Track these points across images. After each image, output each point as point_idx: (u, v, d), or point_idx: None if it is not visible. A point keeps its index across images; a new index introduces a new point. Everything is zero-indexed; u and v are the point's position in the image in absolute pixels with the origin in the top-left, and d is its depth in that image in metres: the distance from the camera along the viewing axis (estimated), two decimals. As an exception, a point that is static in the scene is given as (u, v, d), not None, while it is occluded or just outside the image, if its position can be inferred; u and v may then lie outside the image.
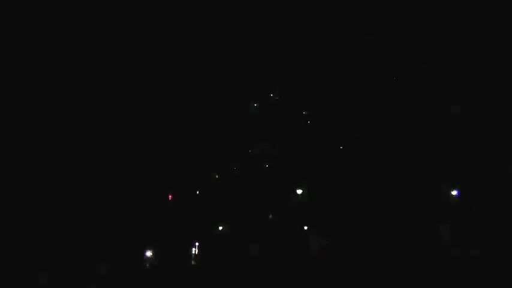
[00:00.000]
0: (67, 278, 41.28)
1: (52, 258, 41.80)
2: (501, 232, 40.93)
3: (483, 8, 47.47)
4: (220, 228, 45.20)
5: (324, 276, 40.34)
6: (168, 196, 45.07)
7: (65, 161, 44.61)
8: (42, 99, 44.38)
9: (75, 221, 42.99)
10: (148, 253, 43.26)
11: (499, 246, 40.15)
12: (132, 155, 45.98)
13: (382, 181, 45.19)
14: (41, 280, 40.75)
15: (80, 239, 42.79)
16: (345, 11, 49.66)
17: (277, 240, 44.94)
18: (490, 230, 41.35)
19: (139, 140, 45.73)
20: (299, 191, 46.35)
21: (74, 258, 42.17)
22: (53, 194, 43.55)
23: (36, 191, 42.70)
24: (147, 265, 43.33)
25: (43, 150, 43.69)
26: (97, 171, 44.83)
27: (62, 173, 43.94)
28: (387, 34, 48.66)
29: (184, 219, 44.84)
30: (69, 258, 42.10)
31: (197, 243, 45.07)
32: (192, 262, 44.63)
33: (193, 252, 45.14)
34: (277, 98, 48.54)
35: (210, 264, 43.65)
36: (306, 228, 45.44)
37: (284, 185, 46.97)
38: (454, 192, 44.37)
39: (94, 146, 44.59)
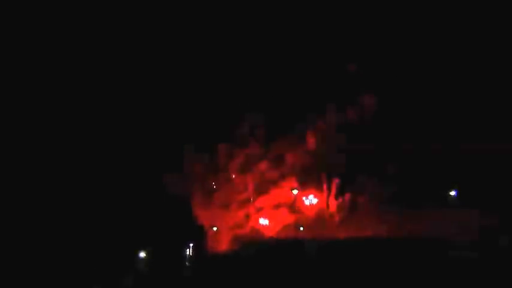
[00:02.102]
0: (64, 278, 41.23)
1: (47, 259, 41.83)
2: (499, 233, 40.26)
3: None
4: (215, 229, 45.08)
5: (321, 276, 39.80)
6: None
7: (60, 163, 44.79)
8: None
9: (70, 222, 43.14)
10: (142, 254, 43.19)
11: (497, 247, 39.50)
12: (129, 157, 45.97)
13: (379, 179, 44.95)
14: (33, 280, 40.78)
15: (76, 241, 42.86)
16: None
17: (273, 240, 44.65)
18: (489, 230, 40.73)
19: (137, 142, 45.79)
20: (295, 191, 46.09)
21: (70, 259, 42.20)
22: (47, 196, 43.68)
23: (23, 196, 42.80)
24: (142, 266, 43.19)
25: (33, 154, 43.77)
26: (93, 173, 44.90)
27: (55, 175, 44.14)
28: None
29: (179, 220, 44.69)
30: (66, 259, 42.18)
31: (192, 244, 44.93)
32: (187, 263, 44.53)
33: (188, 253, 44.98)
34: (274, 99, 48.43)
35: (205, 265, 43.38)
36: (301, 228, 45.24)
37: (281, 185, 46.82)
38: (453, 193, 44.16)
39: (89, 147, 44.64)
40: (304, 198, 46.17)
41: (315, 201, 46.06)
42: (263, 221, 45.38)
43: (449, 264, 39.26)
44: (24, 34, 45.81)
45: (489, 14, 47.27)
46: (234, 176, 47.03)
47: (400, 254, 41.24)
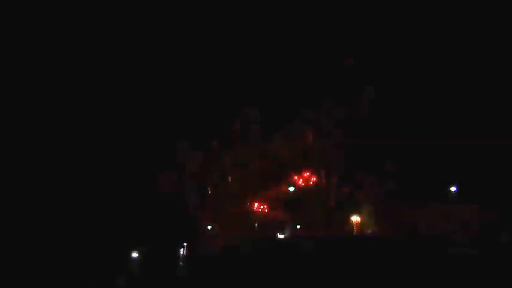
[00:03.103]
0: (56, 279, 40.44)
1: (39, 260, 41.06)
2: (500, 229, 39.69)
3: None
4: (209, 227, 44.25)
5: (318, 274, 39.20)
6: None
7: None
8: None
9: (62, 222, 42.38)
10: (135, 254, 42.41)
11: (498, 244, 38.94)
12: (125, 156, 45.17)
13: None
14: (26, 280, 40.03)
15: (68, 240, 42.06)
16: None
17: (270, 239, 43.90)
18: (489, 227, 40.16)
19: (129, 139, 44.92)
20: (291, 188, 45.34)
21: (62, 259, 41.42)
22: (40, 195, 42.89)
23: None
24: (135, 266, 42.43)
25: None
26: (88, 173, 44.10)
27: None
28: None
29: (173, 219, 43.84)
30: (58, 259, 41.41)
31: (186, 244, 44.08)
32: (181, 263, 43.74)
33: (182, 253, 44.17)
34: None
35: (200, 266, 42.59)
36: (298, 226, 44.52)
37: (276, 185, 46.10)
38: (453, 189, 43.51)
39: (80, 145, 43.72)
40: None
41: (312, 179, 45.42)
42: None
43: (449, 262, 38.71)
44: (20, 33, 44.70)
45: (486, 11, 46.79)
46: (229, 174, 46.21)
47: (399, 251, 40.72)
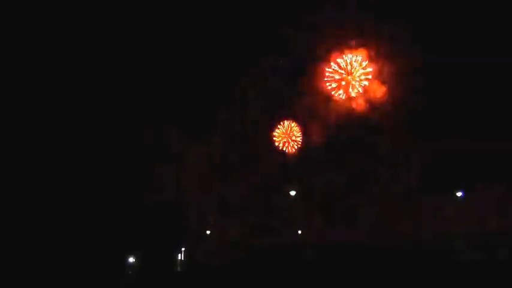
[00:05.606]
0: (52, 283, 39.66)
1: (35, 264, 40.26)
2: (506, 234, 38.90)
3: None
4: (208, 232, 43.36)
5: (320, 281, 38.52)
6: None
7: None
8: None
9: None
10: (131, 259, 41.64)
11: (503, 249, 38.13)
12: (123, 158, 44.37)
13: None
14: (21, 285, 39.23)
15: (63, 245, 41.28)
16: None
17: (271, 245, 43.06)
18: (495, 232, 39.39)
19: (126, 138, 44.11)
20: (292, 193, 44.48)
21: (57, 263, 40.62)
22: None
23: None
24: (131, 271, 41.72)
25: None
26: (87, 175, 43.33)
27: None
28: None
29: (171, 223, 43.05)
30: (53, 263, 40.64)
31: (183, 249, 43.29)
32: (178, 268, 42.95)
33: (180, 258, 43.38)
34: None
35: (198, 271, 41.87)
36: (299, 232, 43.71)
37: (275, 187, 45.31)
38: (459, 194, 42.69)
39: (74, 146, 42.92)
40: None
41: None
42: None
43: (454, 267, 38.01)
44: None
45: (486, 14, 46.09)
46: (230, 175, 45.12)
47: (403, 256, 40.05)
